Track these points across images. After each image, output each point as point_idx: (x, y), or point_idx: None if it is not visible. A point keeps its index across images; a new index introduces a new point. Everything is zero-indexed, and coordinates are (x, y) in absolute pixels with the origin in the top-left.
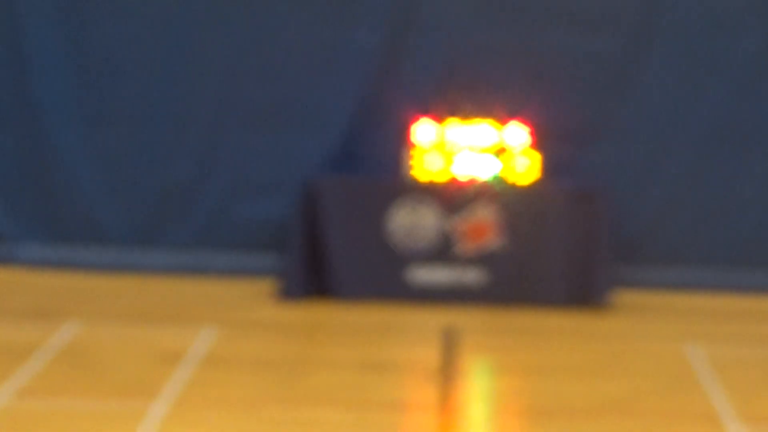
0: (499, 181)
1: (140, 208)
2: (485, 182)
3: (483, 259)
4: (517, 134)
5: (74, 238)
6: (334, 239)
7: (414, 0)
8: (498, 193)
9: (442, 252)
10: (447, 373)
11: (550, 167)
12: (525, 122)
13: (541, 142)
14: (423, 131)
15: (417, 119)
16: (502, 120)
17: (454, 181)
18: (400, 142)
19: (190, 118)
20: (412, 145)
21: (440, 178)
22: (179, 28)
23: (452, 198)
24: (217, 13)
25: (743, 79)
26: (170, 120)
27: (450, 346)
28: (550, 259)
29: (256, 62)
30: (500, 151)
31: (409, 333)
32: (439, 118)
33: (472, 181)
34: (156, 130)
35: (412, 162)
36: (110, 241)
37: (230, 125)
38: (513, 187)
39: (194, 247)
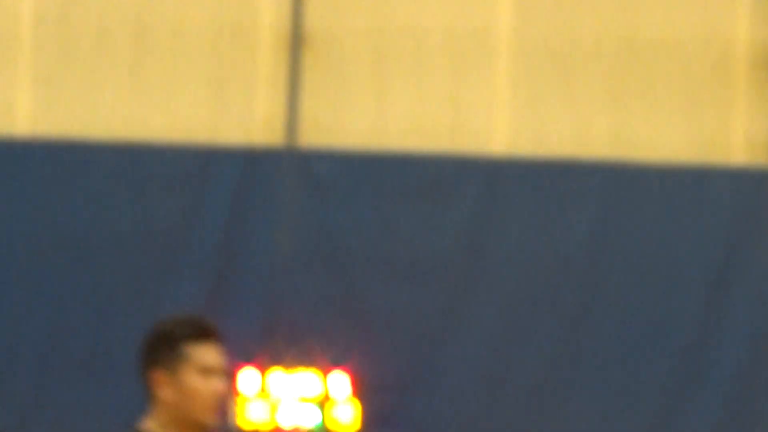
0: (322, 430)
1: None
2: None
3: None
4: (340, 383)
5: None
6: None
7: (235, 248)
8: None
9: None
10: None
11: (372, 417)
12: (348, 371)
13: (363, 391)
14: (246, 380)
15: (240, 367)
16: (325, 369)
17: (278, 430)
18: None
19: (12, 367)
20: (236, 394)
21: (264, 428)
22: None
23: None
24: (42, 255)
25: (565, 325)
26: None
27: None
28: None
29: (80, 308)
30: (323, 401)
31: None
32: (263, 366)
33: (296, 431)
34: None
35: (235, 411)
36: None
37: (54, 373)
38: None
39: None
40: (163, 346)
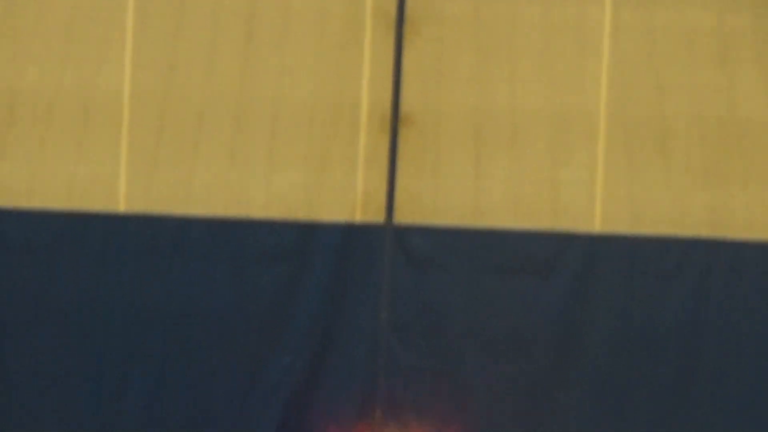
0: None
1: None
2: None
3: None
4: None
5: None
6: None
7: (333, 322)
8: None
9: None
10: None
11: None
12: None
13: None
14: None
15: None
16: None
17: None
18: None
19: None
20: None
21: None
22: (98, 345)
23: None
24: (139, 331)
25: (662, 402)
26: None
27: None
28: None
29: (178, 381)
30: None
31: None
32: None
33: None
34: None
35: None
36: None
37: None
38: None
39: None
40: None
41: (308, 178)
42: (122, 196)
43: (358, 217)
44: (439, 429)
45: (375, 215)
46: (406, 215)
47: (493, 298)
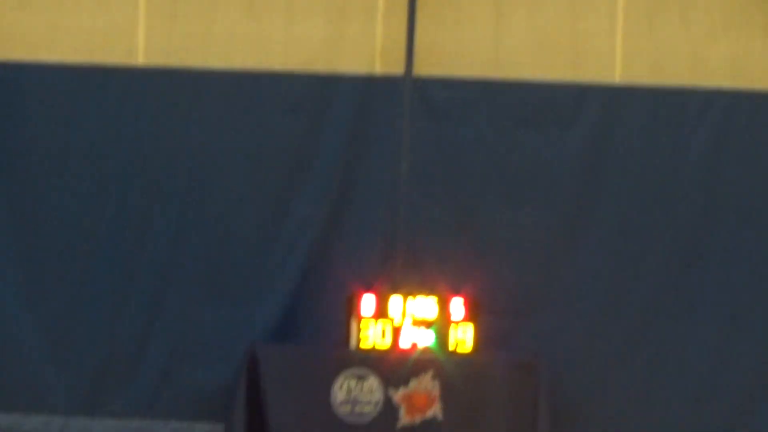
0: (440, 352)
1: (83, 376)
2: (427, 354)
3: (425, 431)
4: (458, 306)
5: (17, 407)
6: (277, 409)
7: (353, 173)
8: (439, 364)
9: (385, 424)
10: None
11: (489, 339)
12: (465, 294)
13: (480, 313)
14: (366, 303)
15: (360, 291)
16: (445, 292)
17: (396, 352)
18: (343, 313)
19: (132, 286)
20: (356, 317)
21: (383, 350)
22: (119, 194)
23: (395, 369)
24: (163, 180)
25: (680, 250)
26: (112, 288)
27: None
28: (490, 430)
29: (199, 232)
30: (441, 324)
31: None
32: (383, 290)
33: (414, 353)
34: (98, 298)
35: (355, 333)
36: (53, 409)
37: (173, 293)
38: (454, 359)
39: (137, 416)
40: None
41: (327, 29)
42: (141, 48)
43: (378, 68)
44: (459, 279)
45: (395, 67)
46: (426, 67)
47: (513, 148)
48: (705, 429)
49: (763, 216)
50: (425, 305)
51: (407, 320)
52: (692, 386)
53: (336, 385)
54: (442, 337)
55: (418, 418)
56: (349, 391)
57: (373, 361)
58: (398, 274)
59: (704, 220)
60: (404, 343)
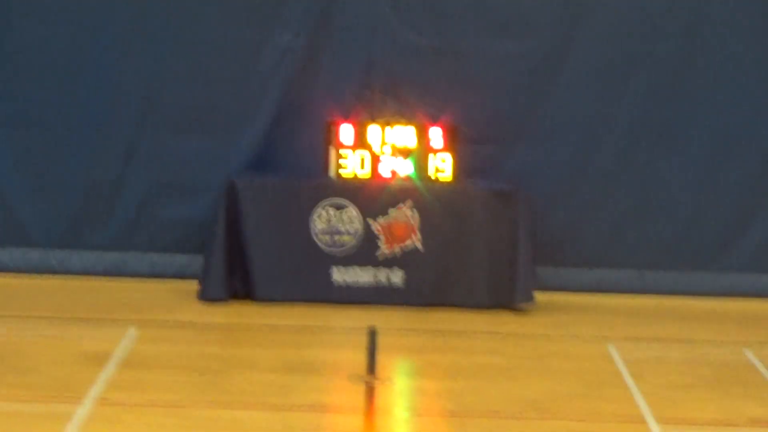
0: (420, 182)
1: (62, 210)
2: (406, 183)
3: (405, 261)
4: (438, 136)
5: None
6: (256, 240)
7: (334, 2)
8: (419, 193)
9: (365, 253)
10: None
11: (470, 169)
12: (446, 124)
13: (461, 143)
14: (345, 132)
15: (339, 120)
16: (424, 121)
17: (375, 182)
18: (322, 143)
19: (111, 120)
20: (334, 146)
21: (362, 179)
22: (100, 30)
23: (374, 199)
24: (139, 14)
25: (661, 82)
26: (91, 122)
27: (374, 347)
28: (471, 261)
29: (177, 64)
30: (421, 153)
31: (332, 334)
32: (361, 119)
33: (393, 182)
34: (77, 131)
35: (334, 162)
36: (32, 243)
37: (151, 127)
38: (434, 188)
39: (116, 249)
40: None
41: None
42: None
43: None
44: (438, 108)
45: None
46: None
47: None
48: (685, 263)
49: (748, 36)
50: (404, 134)
51: (386, 149)
52: (672, 219)
53: (315, 215)
54: (422, 167)
55: (397, 247)
56: (328, 220)
57: (352, 190)
58: (377, 103)
59: (688, 51)
60: (383, 173)
